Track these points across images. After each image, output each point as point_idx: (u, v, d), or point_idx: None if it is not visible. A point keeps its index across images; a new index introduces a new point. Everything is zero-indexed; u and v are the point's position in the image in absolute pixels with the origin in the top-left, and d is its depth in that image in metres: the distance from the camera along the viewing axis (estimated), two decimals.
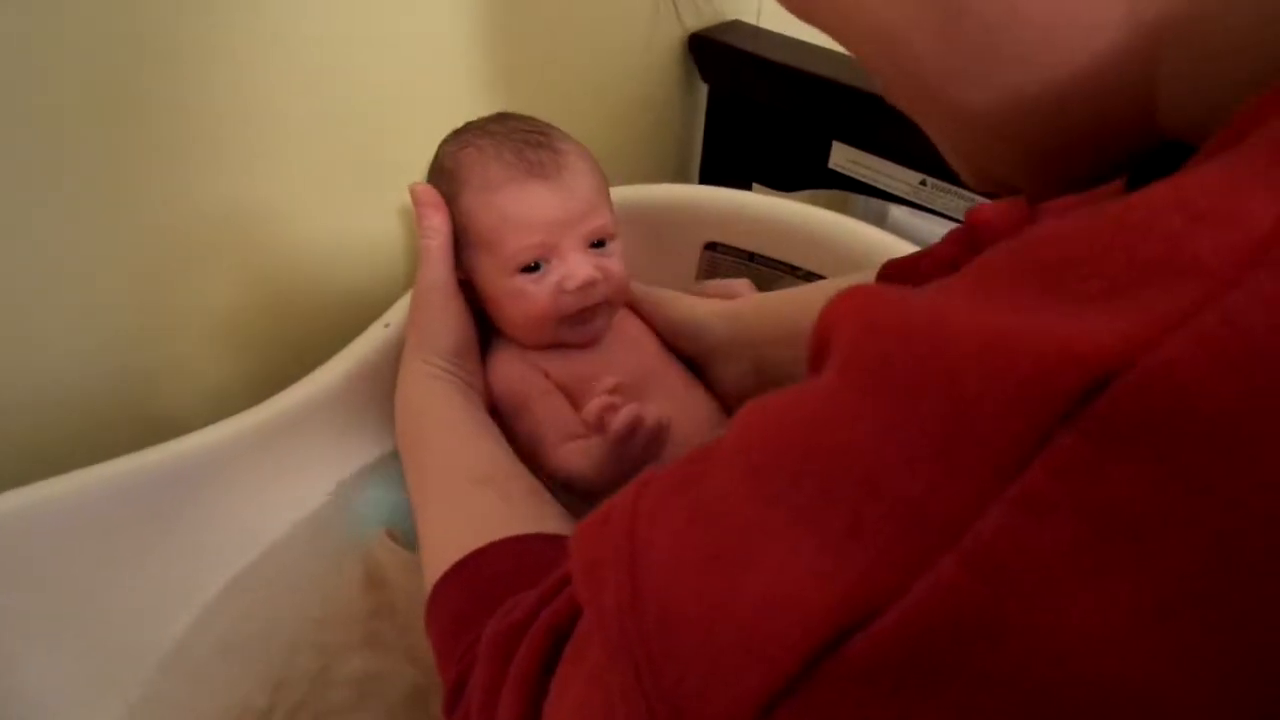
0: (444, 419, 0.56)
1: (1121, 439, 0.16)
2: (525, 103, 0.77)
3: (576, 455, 0.57)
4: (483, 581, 0.41)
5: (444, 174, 0.62)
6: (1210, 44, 0.22)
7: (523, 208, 0.58)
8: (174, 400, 0.65)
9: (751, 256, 0.71)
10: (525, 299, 0.59)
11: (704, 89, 0.94)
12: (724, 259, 0.74)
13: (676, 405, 0.61)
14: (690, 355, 0.65)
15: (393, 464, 0.67)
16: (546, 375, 0.61)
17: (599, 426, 0.53)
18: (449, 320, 0.60)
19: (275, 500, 0.61)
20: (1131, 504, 0.16)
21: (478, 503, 0.49)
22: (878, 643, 0.18)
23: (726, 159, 0.96)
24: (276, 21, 0.59)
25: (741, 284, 0.69)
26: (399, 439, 0.58)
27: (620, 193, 0.74)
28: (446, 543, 0.45)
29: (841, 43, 0.30)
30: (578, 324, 0.60)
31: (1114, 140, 0.26)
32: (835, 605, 0.18)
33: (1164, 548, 0.16)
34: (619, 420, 0.52)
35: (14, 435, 0.58)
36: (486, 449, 0.54)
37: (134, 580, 0.56)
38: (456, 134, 0.63)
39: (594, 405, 0.54)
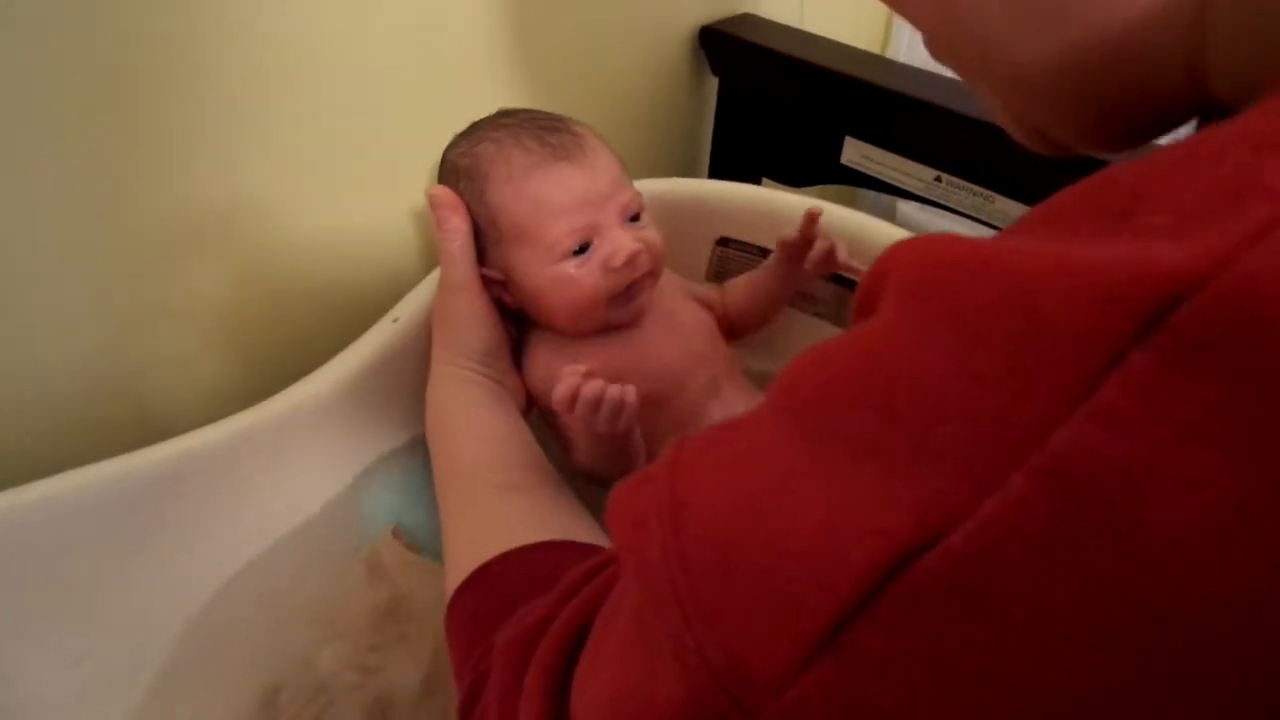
0: (473, 423, 0.56)
1: (1200, 352, 0.16)
2: (532, 96, 0.76)
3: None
4: (501, 588, 0.41)
5: (460, 173, 0.60)
6: (1259, 2, 0.22)
7: (557, 192, 0.57)
8: (168, 397, 0.65)
9: (764, 252, 0.70)
10: (573, 284, 0.57)
11: (714, 82, 0.93)
12: (736, 254, 0.73)
13: (719, 388, 0.62)
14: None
15: (401, 461, 0.66)
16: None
17: (567, 408, 0.51)
18: (477, 321, 0.59)
19: (281, 498, 0.61)
20: (1211, 414, 0.16)
21: (502, 509, 0.48)
22: (947, 562, 0.18)
23: (736, 154, 0.95)
24: (273, 10, 0.58)
25: None
26: (429, 442, 0.57)
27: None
28: (468, 549, 0.45)
29: (896, 3, 0.30)
30: (627, 301, 0.59)
31: (1165, 103, 0.26)
32: (901, 527, 0.18)
33: (1248, 454, 0.16)
34: (583, 391, 0.50)
35: (4, 434, 0.57)
36: (516, 454, 0.54)
37: (135, 580, 0.55)
38: (464, 135, 0.62)
39: (557, 390, 0.51)
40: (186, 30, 0.55)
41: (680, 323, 0.63)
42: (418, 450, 0.67)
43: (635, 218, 0.59)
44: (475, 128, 0.62)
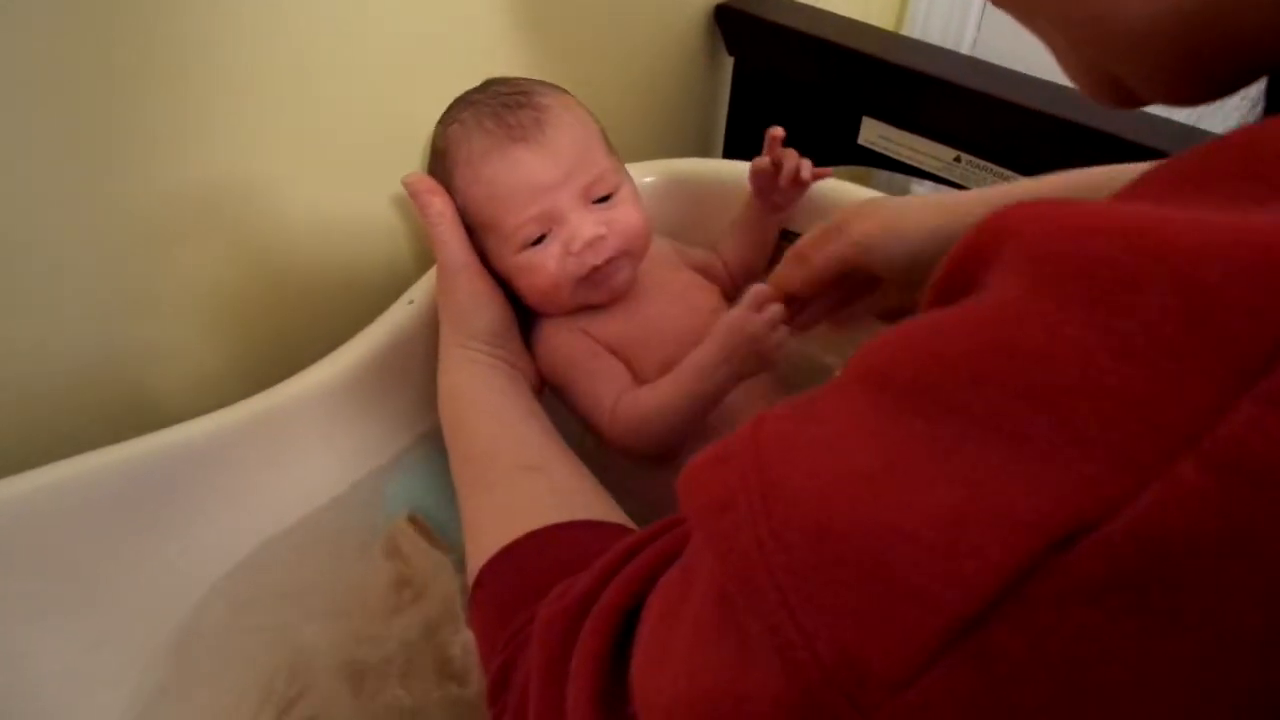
0: (487, 405, 0.55)
1: None
2: (545, 75, 0.75)
3: (645, 396, 0.56)
4: (529, 568, 0.41)
5: (437, 156, 0.60)
6: None
7: (511, 178, 0.55)
8: (163, 384, 0.64)
9: (783, 233, 0.69)
10: (533, 272, 0.57)
11: (729, 62, 0.91)
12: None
13: None
14: (885, 270, 0.54)
15: (418, 446, 0.66)
16: (592, 339, 0.60)
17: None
18: (480, 301, 0.58)
19: (295, 483, 0.60)
20: None
21: (523, 490, 0.47)
22: (1104, 555, 0.16)
23: (752, 134, 0.94)
24: None
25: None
26: (443, 427, 0.56)
27: (646, 166, 0.72)
28: (491, 530, 0.44)
29: None
30: (597, 283, 0.58)
31: (1250, 56, 0.24)
32: (1046, 516, 0.17)
33: None
34: (761, 294, 0.51)
35: (6, 421, 0.57)
36: (533, 435, 0.52)
37: (146, 565, 0.55)
38: (447, 111, 0.61)
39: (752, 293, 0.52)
40: (186, 17, 0.54)
41: (678, 292, 0.62)
42: (434, 435, 0.67)
43: (605, 198, 0.57)
44: (455, 103, 0.61)
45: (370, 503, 0.63)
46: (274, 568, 0.59)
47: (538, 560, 0.41)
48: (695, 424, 0.55)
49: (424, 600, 0.58)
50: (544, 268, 0.56)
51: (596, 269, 0.57)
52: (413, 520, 0.60)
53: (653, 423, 0.55)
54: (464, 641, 0.55)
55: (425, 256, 0.72)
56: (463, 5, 0.67)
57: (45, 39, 0.49)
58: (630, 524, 0.45)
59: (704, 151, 0.97)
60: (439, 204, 0.57)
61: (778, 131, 0.62)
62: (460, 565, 0.57)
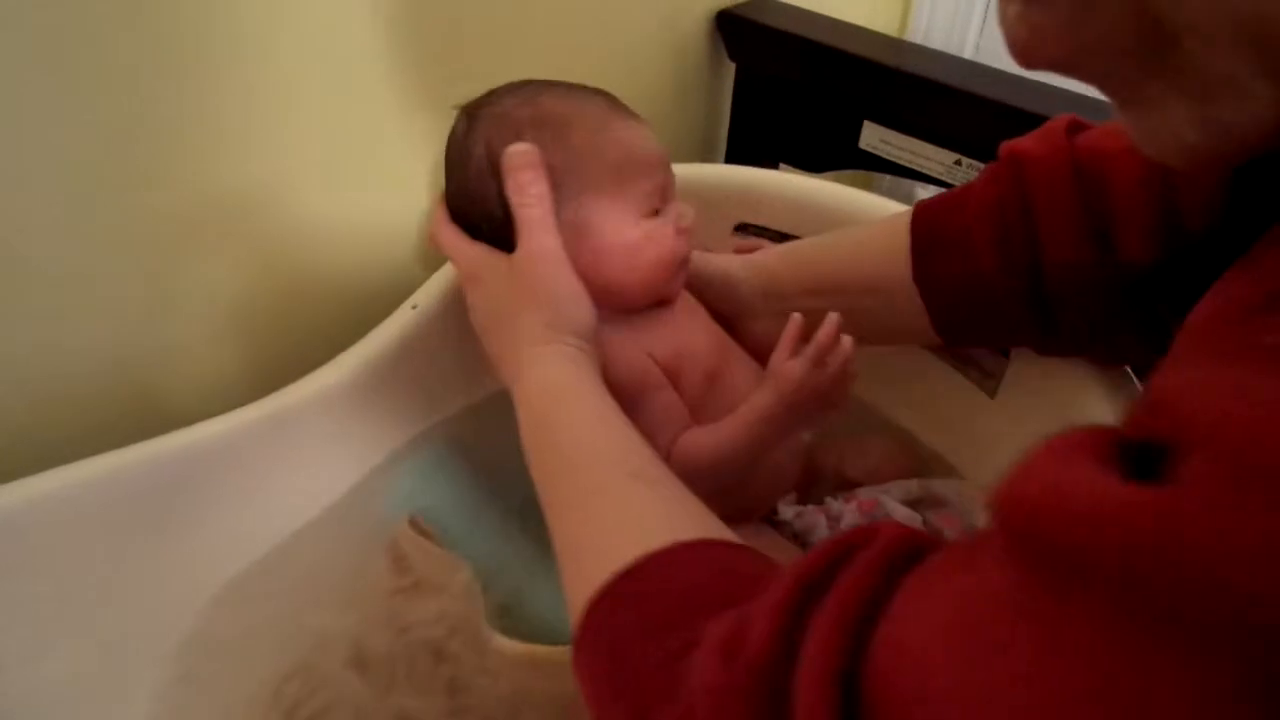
0: (594, 406, 0.49)
1: None
2: (549, 78, 0.76)
3: (704, 440, 0.54)
4: (671, 592, 0.35)
5: (525, 124, 0.54)
6: None
7: (646, 145, 0.56)
8: (177, 388, 0.65)
9: (783, 238, 0.69)
10: (655, 243, 0.55)
11: (731, 67, 0.92)
12: (755, 240, 0.72)
13: (750, 370, 0.60)
14: (719, 313, 0.62)
15: (421, 448, 0.66)
16: (654, 359, 0.57)
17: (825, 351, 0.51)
18: (578, 293, 0.53)
19: (301, 485, 0.61)
20: None
21: (637, 500, 0.42)
22: None
23: (754, 138, 0.94)
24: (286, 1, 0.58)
25: (760, 242, 0.67)
26: (532, 428, 0.49)
27: None
28: (604, 544, 0.39)
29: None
30: (680, 274, 0.58)
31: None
32: None
33: None
34: (824, 332, 0.51)
35: (15, 425, 0.58)
36: (638, 442, 0.47)
37: (156, 566, 0.55)
38: (496, 95, 0.57)
39: (825, 331, 0.52)
40: (200, 22, 0.55)
41: (693, 304, 0.62)
42: (436, 437, 0.67)
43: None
44: (506, 89, 0.57)
45: (378, 503, 0.63)
46: (284, 567, 0.60)
47: (683, 583, 0.36)
48: (748, 472, 0.55)
49: (431, 600, 0.58)
50: (665, 239, 0.55)
51: (685, 259, 0.58)
52: (413, 523, 0.60)
53: (707, 470, 0.53)
54: (474, 644, 0.55)
55: (430, 260, 0.73)
56: (465, 12, 0.68)
57: (71, 47, 0.50)
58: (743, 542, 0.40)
59: (707, 157, 0.97)
60: (543, 185, 0.53)
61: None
62: (459, 567, 0.57)
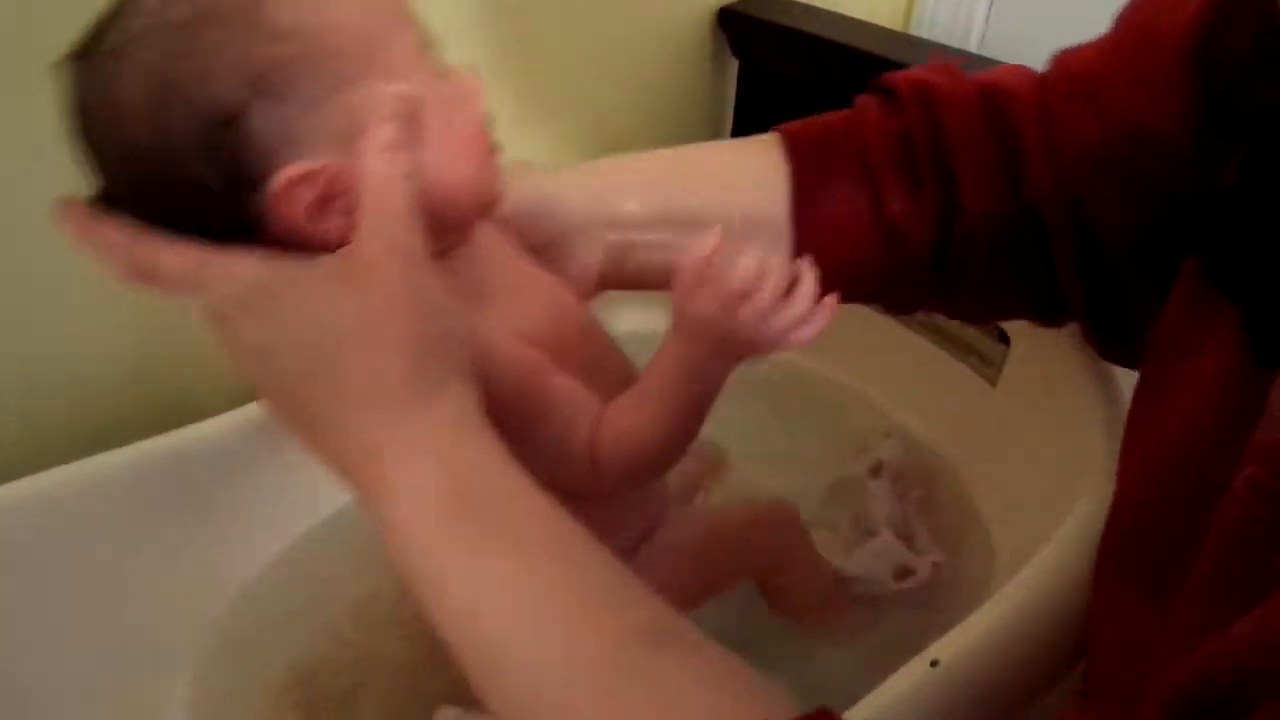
0: (544, 518, 0.32)
1: None
2: (551, 76, 0.76)
3: (626, 420, 0.40)
4: None
5: (209, 29, 0.33)
6: None
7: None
8: (202, 384, 0.65)
9: None
10: (466, 110, 0.39)
11: (735, 63, 0.92)
12: None
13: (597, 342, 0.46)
14: (534, 242, 0.45)
15: None
16: (530, 345, 0.42)
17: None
18: (446, 303, 0.35)
19: (311, 483, 0.61)
20: None
21: (672, 684, 0.28)
22: None
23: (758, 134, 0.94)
24: None
25: None
26: (441, 592, 0.31)
27: None
28: None
29: None
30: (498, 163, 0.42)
31: None
32: None
33: None
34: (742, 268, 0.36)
35: (39, 421, 0.58)
36: (615, 565, 0.32)
37: (177, 560, 0.56)
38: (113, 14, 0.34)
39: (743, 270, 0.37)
40: None
41: (496, 233, 0.46)
42: None
43: None
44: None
45: None
46: (306, 561, 0.60)
47: None
48: (699, 428, 0.42)
49: None
50: (467, 103, 0.39)
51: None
52: None
53: (651, 457, 0.41)
54: None
55: None
56: (465, 9, 0.68)
57: None
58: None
59: None
60: (390, 128, 0.34)
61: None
62: None
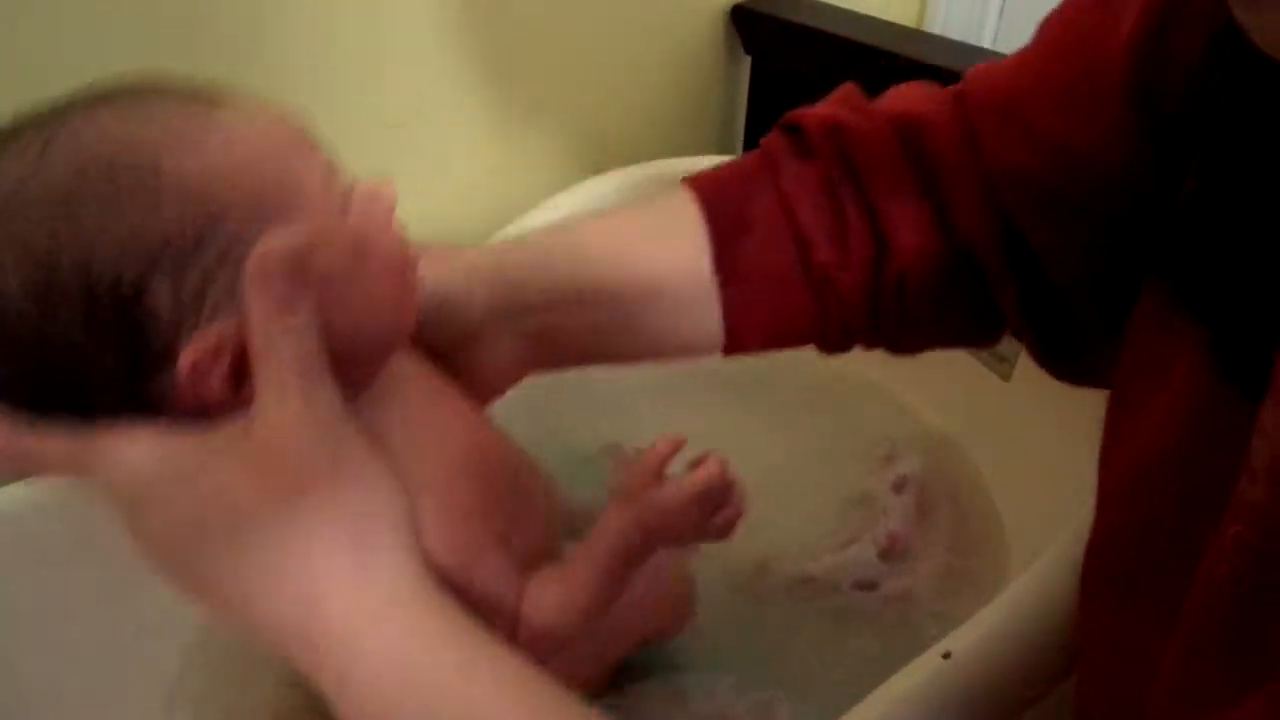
0: (504, 685, 0.31)
1: None
2: (563, 75, 0.76)
3: (552, 600, 0.39)
4: None
5: (99, 194, 0.30)
6: None
7: (273, 125, 0.35)
8: None
9: None
10: (380, 237, 0.36)
11: (747, 61, 0.92)
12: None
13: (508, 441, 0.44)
14: (438, 345, 0.42)
15: None
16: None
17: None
18: (381, 466, 0.33)
19: None
20: None
21: None
22: None
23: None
24: (292, 12, 0.59)
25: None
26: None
27: (662, 166, 0.73)
28: None
29: None
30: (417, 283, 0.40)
31: None
32: None
33: None
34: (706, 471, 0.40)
35: None
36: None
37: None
38: (33, 125, 0.31)
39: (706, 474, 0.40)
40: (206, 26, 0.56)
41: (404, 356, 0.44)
42: None
43: None
44: (31, 121, 0.31)
45: None
46: None
47: None
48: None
49: None
50: (383, 228, 0.36)
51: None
52: None
53: (574, 632, 0.39)
54: None
55: None
56: (475, 8, 0.69)
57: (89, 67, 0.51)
58: None
59: (723, 151, 0.97)
60: (308, 303, 0.31)
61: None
62: None
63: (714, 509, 0.41)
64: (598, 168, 0.74)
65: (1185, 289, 0.31)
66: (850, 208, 0.43)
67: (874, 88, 0.83)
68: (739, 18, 0.88)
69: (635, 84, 0.84)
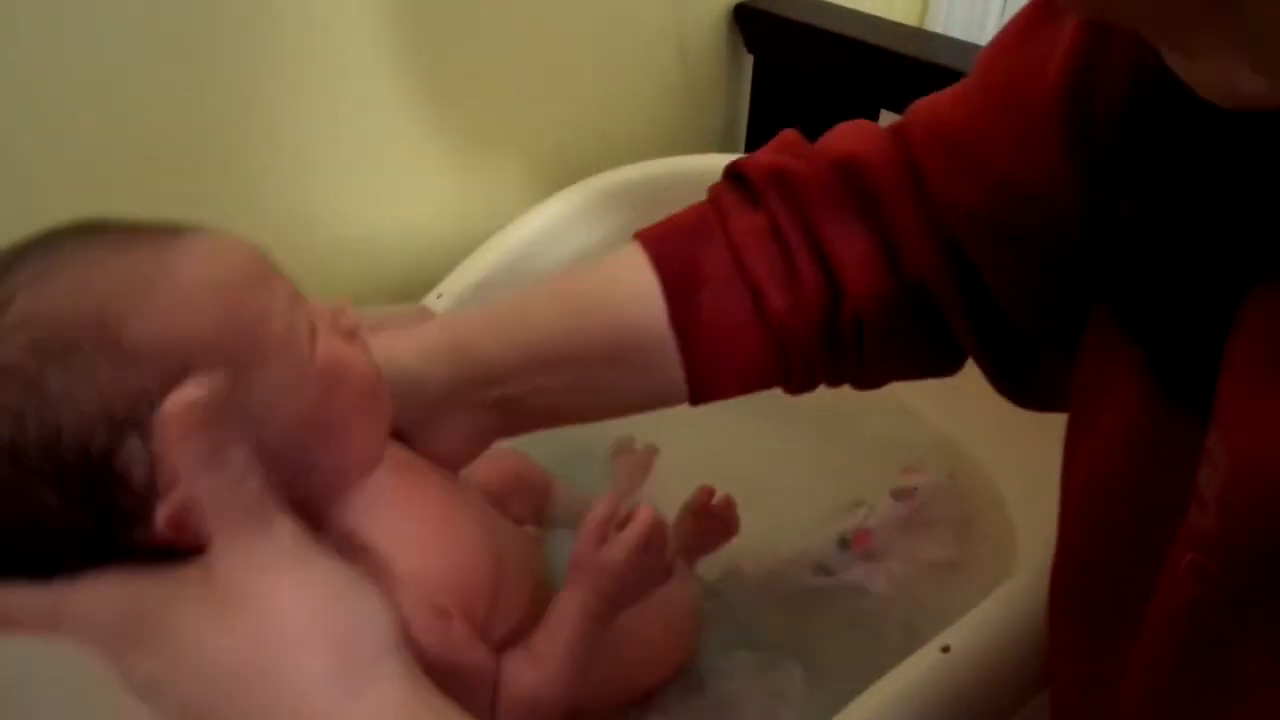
0: None
1: None
2: (567, 75, 0.77)
3: (531, 679, 0.40)
4: None
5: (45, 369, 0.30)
6: None
7: (235, 254, 0.36)
8: None
9: None
10: (354, 366, 0.39)
11: (750, 59, 0.92)
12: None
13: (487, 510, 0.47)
14: (397, 426, 0.43)
15: None
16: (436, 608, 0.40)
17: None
18: (363, 583, 0.33)
19: None
20: None
21: None
22: None
23: (773, 130, 0.94)
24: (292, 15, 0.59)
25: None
26: None
27: (666, 164, 0.73)
28: None
29: None
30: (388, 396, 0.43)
31: None
32: None
33: None
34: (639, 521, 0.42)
35: None
36: None
37: None
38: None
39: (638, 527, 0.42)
40: (217, 48, 0.57)
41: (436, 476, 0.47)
42: None
43: None
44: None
45: None
46: None
47: None
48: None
49: None
50: (353, 357, 0.38)
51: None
52: None
53: (557, 707, 0.41)
54: None
55: (451, 253, 0.74)
56: (481, 8, 0.69)
57: (133, 72, 0.52)
58: None
59: (726, 150, 0.98)
60: (235, 442, 0.31)
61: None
62: None
63: (659, 552, 0.43)
64: (601, 167, 0.74)
65: (1125, 310, 0.32)
66: (799, 252, 0.44)
67: (876, 86, 0.84)
68: (741, 16, 0.89)
69: (638, 83, 0.84)
